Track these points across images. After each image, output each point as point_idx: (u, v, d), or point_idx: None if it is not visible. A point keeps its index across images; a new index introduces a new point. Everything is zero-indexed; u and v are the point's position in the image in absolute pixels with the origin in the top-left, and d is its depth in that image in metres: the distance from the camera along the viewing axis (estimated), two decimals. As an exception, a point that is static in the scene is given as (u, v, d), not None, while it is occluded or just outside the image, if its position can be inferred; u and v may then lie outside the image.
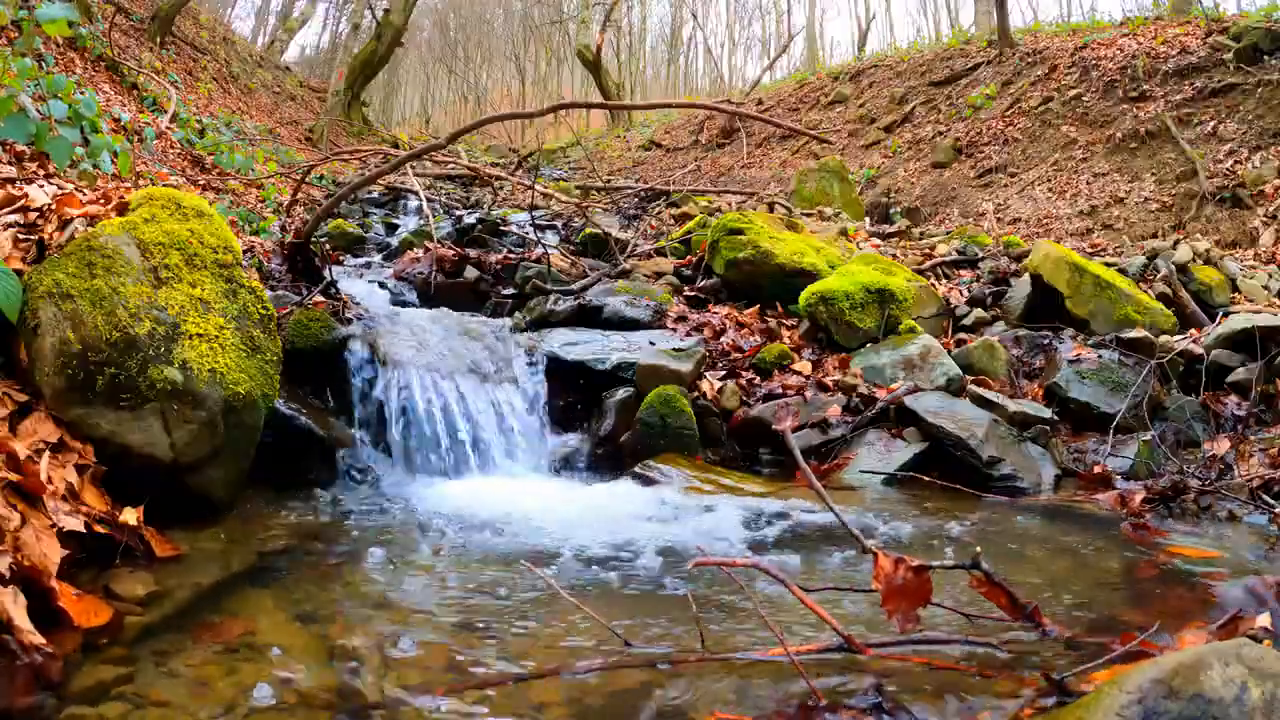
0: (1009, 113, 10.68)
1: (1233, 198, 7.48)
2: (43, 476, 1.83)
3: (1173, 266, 4.54)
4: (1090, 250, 6.51)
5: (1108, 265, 4.72)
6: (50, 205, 2.44)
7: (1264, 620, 1.55)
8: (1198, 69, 9.17)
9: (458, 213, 7.21)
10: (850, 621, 1.73)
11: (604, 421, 3.39)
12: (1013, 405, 3.37)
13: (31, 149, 3.86)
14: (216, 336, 2.36)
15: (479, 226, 6.38)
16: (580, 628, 1.73)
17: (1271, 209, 7.19)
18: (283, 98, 16.72)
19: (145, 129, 7.22)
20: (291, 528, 2.39)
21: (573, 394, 3.58)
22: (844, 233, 6.12)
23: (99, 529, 1.92)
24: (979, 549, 1.63)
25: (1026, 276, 4.54)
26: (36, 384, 2.09)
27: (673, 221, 6.84)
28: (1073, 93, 10.10)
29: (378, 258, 5.75)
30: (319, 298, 3.59)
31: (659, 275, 4.96)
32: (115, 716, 1.34)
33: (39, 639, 1.50)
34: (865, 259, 4.45)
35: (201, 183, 7.14)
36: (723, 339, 3.97)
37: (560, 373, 3.60)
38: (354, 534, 2.40)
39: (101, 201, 2.57)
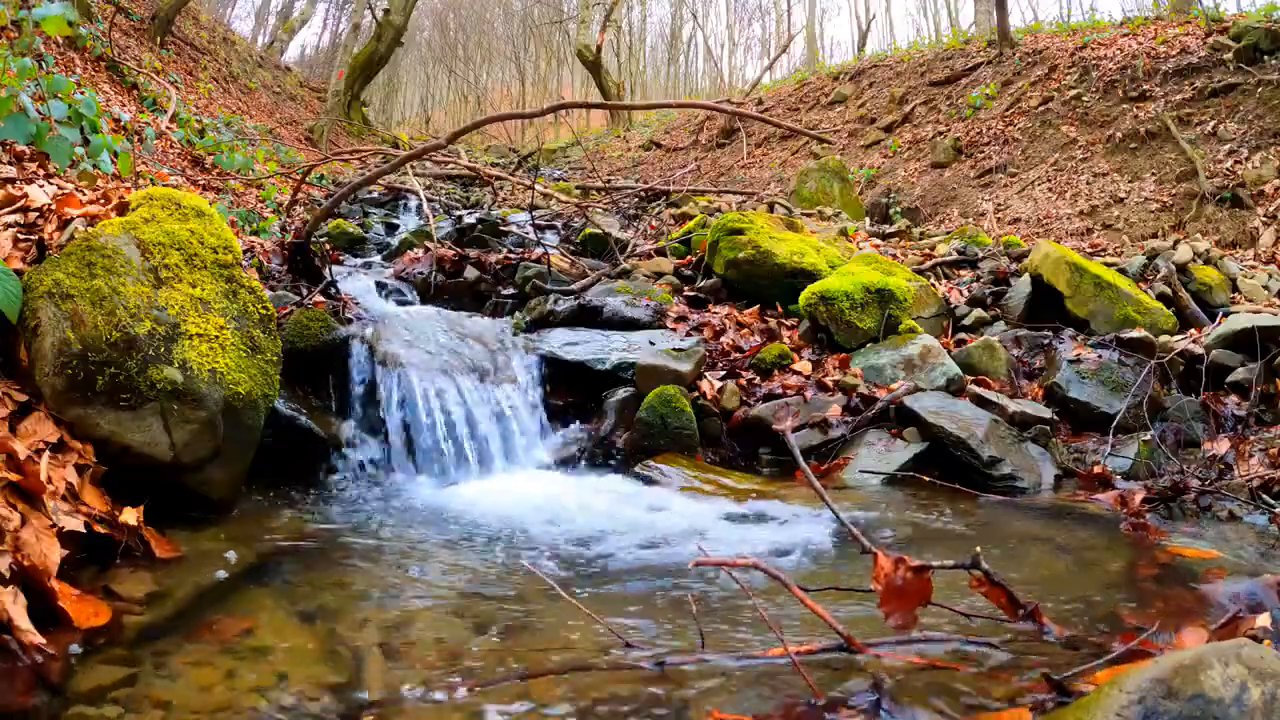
0: (1009, 113, 10.68)
1: (1233, 198, 7.48)
2: (43, 476, 1.83)
3: (1173, 266, 4.54)
4: (1090, 250, 6.51)
5: (1108, 265, 4.72)
6: (50, 205, 2.44)
7: (1264, 620, 1.55)
8: (1198, 69, 9.17)
9: (458, 213, 7.21)
10: (850, 621, 1.73)
11: (604, 421, 3.39)
12: (1013, 405, 3.37)
13: (31, 149, 3.85)
14: (216, 336, 2.36)
15: (479, 226, 6.38)
16: (580, 627, 1.73)
17: (1271, 209, 7.19)
18: (283, 98, 16.72)
19: (145, 129, 7.22)
20: (292, 527, 2.39)
21: (573, 394, 3.58)
22: (844, 233, 6.12)
23: (99, 529, 1.92)
24: (979, 549, 1.63)
25: (1026, 276, 4.54)
26: (36, 384, 2.09)
27: (673, 221, 6.84)
28: (1073, 93, 10.09)
29: (378, 258, 5.75)
30: (319, 298, 3.59)
31: (659, 275, 4.96)
32: (115, 717, 1.34)
33: (39, 639, 1.50)
34: (865, 259, 4.45)
35: (201, 183, 7.14)
36: (723, 339, 3.97)
37: (560, 372, 3.60)
38: (354, 533, 2.40)
39: (101, 201, 2.57)
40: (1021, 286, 4.55)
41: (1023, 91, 10.84)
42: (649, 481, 3.01)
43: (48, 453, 1.95)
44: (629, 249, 5.59)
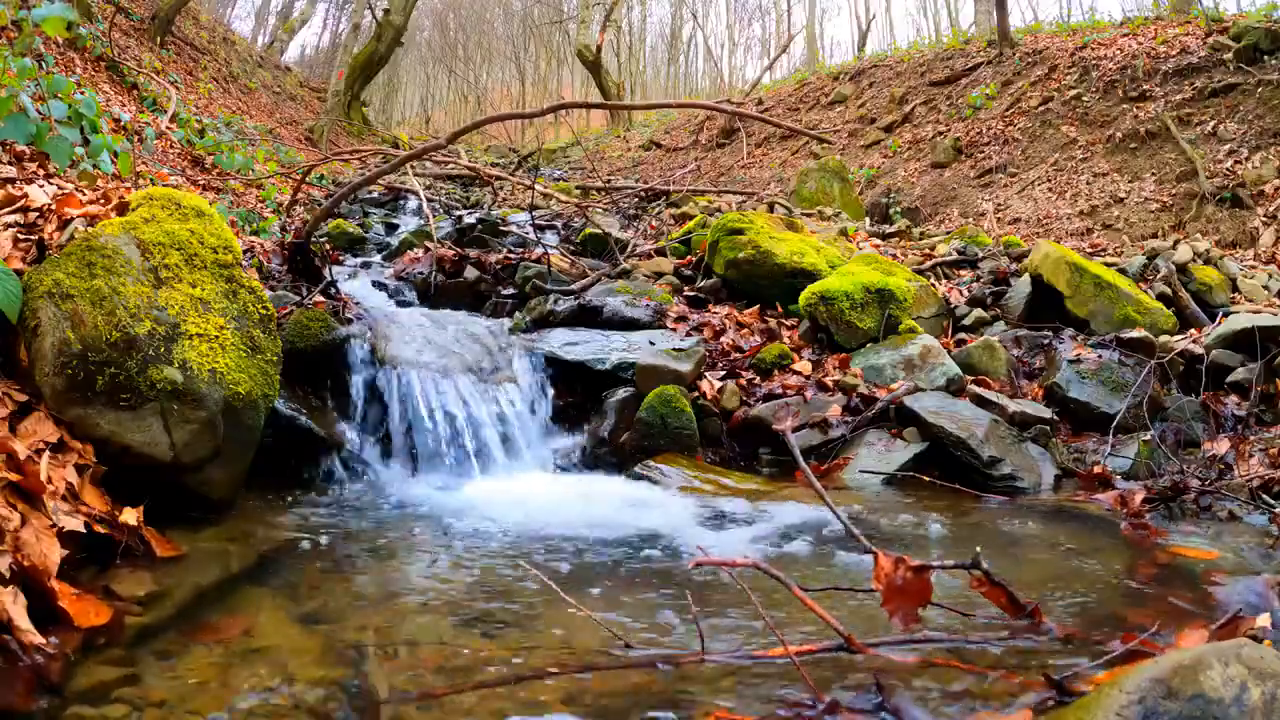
0: (1009, 113, 10.68)
1: (1233, 198, 7.48)
2: (43, 476, 1.83)
3: (1173, 266, 4.54)
4: (1090, 250, 6.51)
5: (1108, 265, 4.72)
6: (50, 205, 2.44)
7: (1264, 620, 1.55)
8: (1198, 69, 9.17)
9: (458, 213, 7.21)
10: (850, 621, 1.73)
11: (604, 421, 3.39)
12: (1013, 405, 3.37)
13: (31, 149, 3.85)
14: (216, 336, 2.36)
15: (479, 226, 6.38)
16: (580, 627, 1.73)
17: (1271, 209, 7.19)
18: (283, 98, 16.71)
19: (145, 129, 7.22)
20: (292, 527, 2.39)
21: (573, 394, 3.58)
22: (844, 233, 6.12)
23: (99, 529, 1.92)
24: (979, 549, 1.63)
25: (1026, 276, 4.54)
26: (36, 384, 2.09)
27: (673, 221, 6.84)
28: (1073, 93, 10.09)
29: (378, 258, 5.75)
30: (319, 298, 3.59)
31: (659, 275, 4.96)
32: (115, 717, 1.34)
33: (39, 639, 1.50)
34: (865, 259, 4.45)
35: (201, 183, 7.14)
36: (723, 339, 3.97)
37: (560, 373, 3.60)
38: (354, 534, 2.39)
39: (101, 201, 2.57)
40: (1021, 286, 4.55)
41: (1023, 91, 10.84)
42: (649, 481, 3.00)
43: (48, 453, 1.95)
44: (629, 249, 5.59)
